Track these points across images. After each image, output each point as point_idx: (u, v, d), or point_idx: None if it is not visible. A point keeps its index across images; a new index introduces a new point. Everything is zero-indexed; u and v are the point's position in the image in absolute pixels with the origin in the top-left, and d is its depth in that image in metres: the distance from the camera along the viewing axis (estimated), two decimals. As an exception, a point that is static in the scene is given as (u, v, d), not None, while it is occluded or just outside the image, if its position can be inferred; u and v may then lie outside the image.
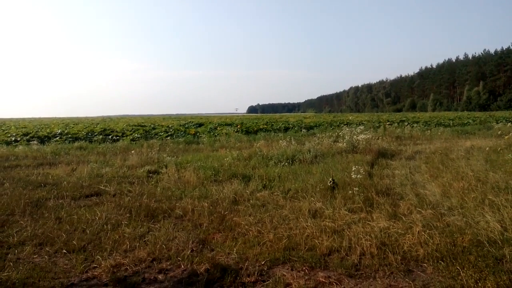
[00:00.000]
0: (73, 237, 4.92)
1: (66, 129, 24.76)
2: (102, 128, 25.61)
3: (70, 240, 4.83)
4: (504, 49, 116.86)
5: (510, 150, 10.60)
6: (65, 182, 8.32)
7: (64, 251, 4.53)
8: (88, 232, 5.10)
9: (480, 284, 3.43)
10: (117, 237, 4.90)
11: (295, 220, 5.36)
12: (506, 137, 14.39)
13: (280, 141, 13.98)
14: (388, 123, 29.52)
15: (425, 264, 3.95)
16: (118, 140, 19.43)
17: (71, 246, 4.64)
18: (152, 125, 28.93)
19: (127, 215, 5.84)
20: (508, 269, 3.69)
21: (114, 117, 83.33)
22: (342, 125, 26.68)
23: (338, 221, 5.23)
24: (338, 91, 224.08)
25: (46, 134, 20.78)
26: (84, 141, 18.44)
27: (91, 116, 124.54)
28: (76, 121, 47.79)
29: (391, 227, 4.88)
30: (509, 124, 26.26)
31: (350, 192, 6.46)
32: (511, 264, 3.83)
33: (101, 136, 20.48)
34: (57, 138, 19.69)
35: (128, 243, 4.69)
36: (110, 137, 20.69)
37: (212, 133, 22.70)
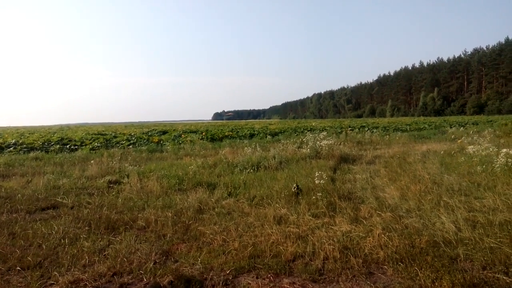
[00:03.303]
0: (28, 253, 4.66)
1: (20, 138, 23.51)
2: (59, 137, 24.57)
3: (24, 256, 4.57)
4: (456, 57, 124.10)
5: (462, 153, 11.17)
6: (19, 195, 7.88)
7: (18, 268, 4.28)
8: (44, 247, 4.85)
9: (437, 284, 3.58)
10: (75, 251, 4.69)
11: (260, 227, 5.38)
12: (459, 141, 15.22)
13: (246, 148, 14.00)
14: (349, 128, 30.38)
15: (385, 266, 4.07)
16: (76, 149, 18.69)
17: (25, 262, 4.40)
18: (113, 134, 28.10)
19: (86, 228, 5.62)
20: (462, 268, 3.88)
21: (72, 126, 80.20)
22: (306, 131, 27.20)
23: (302, 227, 5.30)
24: (302, 98, 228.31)
25: (-1, 144, 19.63)
26: (40, 151, 17.58)
27: (48, 125, 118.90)
28: (32, 130, 45.53)
29: (352, 230, 5.02)
30: (462, 128, 27.76)
31: (313, 197, 6.56)
32: (465, 263, 4.04)
33: (58, 146, 19.65)
34: (11, 148, 18.65)
35: (87, 257, 4.51)
36: (68, 146, 19.87)
37: (176, 141, 22.37)
